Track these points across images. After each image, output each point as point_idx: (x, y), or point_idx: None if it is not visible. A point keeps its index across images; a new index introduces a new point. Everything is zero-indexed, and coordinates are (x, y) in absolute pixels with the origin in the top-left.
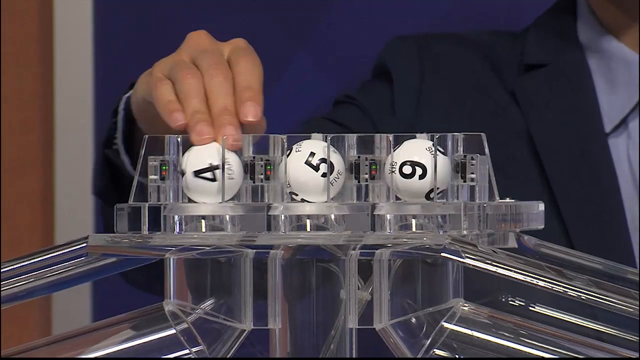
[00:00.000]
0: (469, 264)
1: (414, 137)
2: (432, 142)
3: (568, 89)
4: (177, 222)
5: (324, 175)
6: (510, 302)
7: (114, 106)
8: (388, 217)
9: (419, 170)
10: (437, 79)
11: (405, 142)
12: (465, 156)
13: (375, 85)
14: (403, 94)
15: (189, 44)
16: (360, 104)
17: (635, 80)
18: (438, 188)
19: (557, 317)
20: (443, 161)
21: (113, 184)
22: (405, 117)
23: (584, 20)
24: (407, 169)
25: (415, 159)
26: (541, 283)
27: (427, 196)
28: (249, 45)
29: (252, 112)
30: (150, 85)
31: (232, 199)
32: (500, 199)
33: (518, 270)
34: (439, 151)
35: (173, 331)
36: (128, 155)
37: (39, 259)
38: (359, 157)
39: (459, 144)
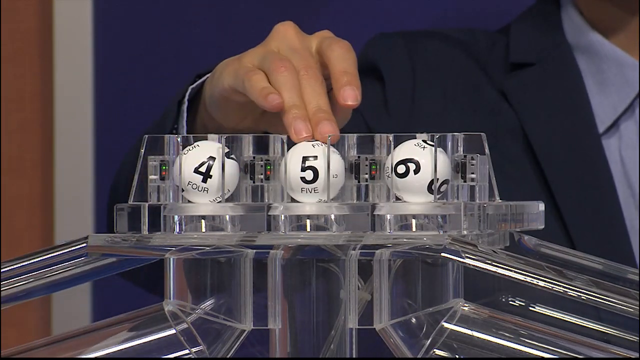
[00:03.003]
0: (469, 264)
1: (414, 137)
2: (421, 139)
3: (559, 89)
4: (177, 222)
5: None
6: (510, 302)
7: (178, 96)
8: (388, 217)
9: (412, 166)
10: (428, 77)
11: (395, 148)
12: (465, 156)
13: (364, 83)
14: (397, 94)
15: (277, 37)
16: None
17: (628, 82)
18: (438, 179)
19: (557, 317)
20: (433, 151)
21: None
22: (400, 117)
23: (569, 19)
24: (401, 169)
25: (406, 156)
26: (541, 283)
27: (430, 189)
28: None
29: (351, 96)
30: (238, 74)
31: (231, 199)
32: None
33: (518, 270)
34: (428, 144)
35: (173, 331)
36: None
37: (39, 259)
38: (359, 157)
39: (459, 144)
